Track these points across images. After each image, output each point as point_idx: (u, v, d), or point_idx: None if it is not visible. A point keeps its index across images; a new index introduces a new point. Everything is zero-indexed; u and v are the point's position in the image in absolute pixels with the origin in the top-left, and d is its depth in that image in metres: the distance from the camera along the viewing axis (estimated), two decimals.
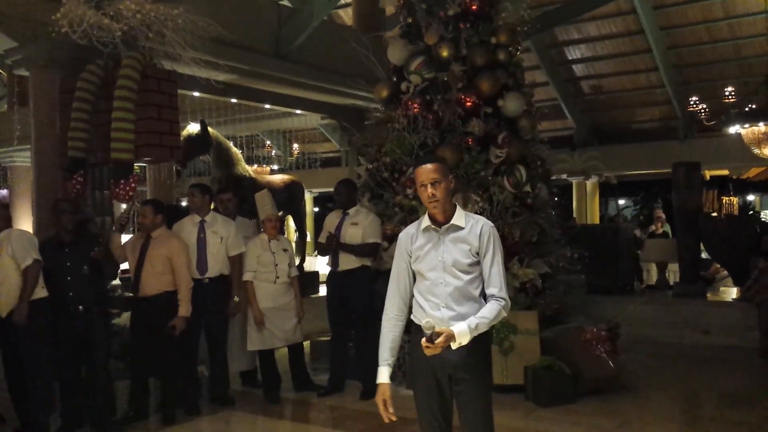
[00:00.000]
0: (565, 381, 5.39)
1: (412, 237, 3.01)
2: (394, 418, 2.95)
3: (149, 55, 6.22)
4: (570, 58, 15.90)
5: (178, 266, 5.20)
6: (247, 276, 5.66)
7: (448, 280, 2.90)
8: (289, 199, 10.20)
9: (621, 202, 21.29)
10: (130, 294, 5.40)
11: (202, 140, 8.42)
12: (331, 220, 6.03)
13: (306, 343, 6.31)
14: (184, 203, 10.40)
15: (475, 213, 6.09)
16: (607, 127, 16.83)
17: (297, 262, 6.86)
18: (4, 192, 13.95)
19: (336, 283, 5.95)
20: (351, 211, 5.98)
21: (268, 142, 18.42)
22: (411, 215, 6.39)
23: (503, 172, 6.35)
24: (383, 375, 2.99)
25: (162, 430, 5.13)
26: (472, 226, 2.92)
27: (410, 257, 3.01)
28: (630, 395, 5.64)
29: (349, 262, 5.83)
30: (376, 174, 6.82)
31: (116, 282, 7.16)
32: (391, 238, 6.45)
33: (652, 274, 10.72)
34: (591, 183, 16.73)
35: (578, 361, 5.55)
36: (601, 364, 5.63)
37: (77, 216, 5.24)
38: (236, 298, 5.58)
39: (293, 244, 10.07)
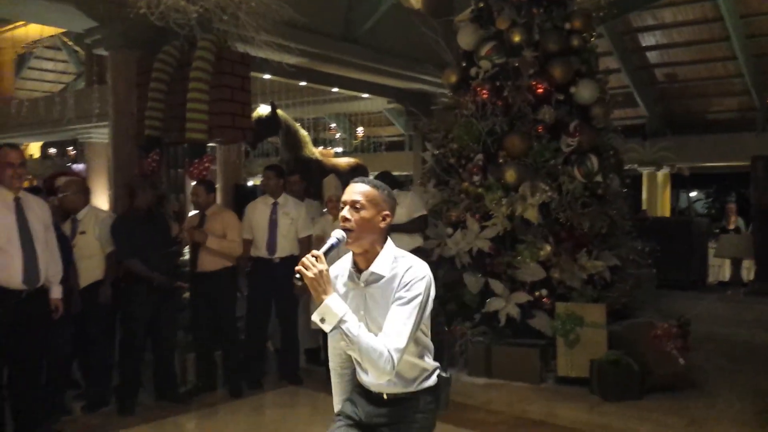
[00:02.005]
0: (632, 376, 5.27)
1: (336, 278, 2.35)
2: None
3: (223, 38, 6.33)
4: (644, 44, 15.43)
5: (230, 237, 5.33)
6: (316, 232, 5.72)
7: None
8: None
9: (692, 194, 20.63)
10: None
11: (272, 122, 8.53)
12: None
13: None
14: (250, 183, 10.59)
15: (543, 203, 6.07)
16: (680, 116, 16.30)
17: None
18: (81, 167, 14.49)
19: None
20: None
21: (333, 125, 18.55)
22: (476, 202, 6.34)
23: (574, 162, 6.22)
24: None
25: (228, 402, 5.28)
26: (400, 274, 2.23)
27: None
28: (699, 394, 5.47)
29: (402, 244, 5.82)
30: (441, 160, 6.79)
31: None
32: (456, 224, 6.43)
33: (725, 270, 10.37)
34: (662, 174, 16.27)
35: (646, 356, 5.42)
36: (670, 361, 5.48)
37: (156, 192, 5.43)
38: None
39: None
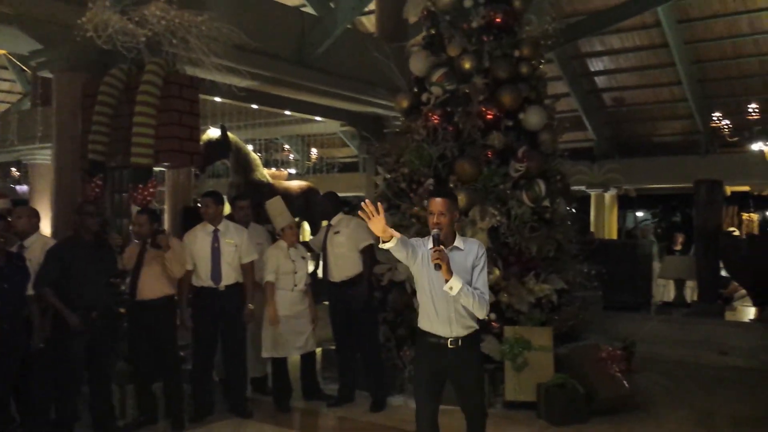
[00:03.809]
0: (579, 399, 5.34)
1: (424, 245, 3.61)
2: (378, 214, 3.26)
3: (172, 61, 6.27)
4: (592, 69, 15.85)
5: (168, 262, 5.15)
6: (269, 277, 5.57)
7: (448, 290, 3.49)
8: (305, 205, 10.21)
9: (639, 214, 21.14)
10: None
11: (222, 145, 8.45)
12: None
13: (317, 351, 6.28)
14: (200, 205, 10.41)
15: (493, 227, 6.16)
16: (627, 139, 16.74)
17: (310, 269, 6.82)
18: (25, 188, 14.11)
19: (336, 293, 5.91)
20: (334, 221, 5.96)
21: (287, 147, 18.48)
22: (426, 227, 6.35)
23: (522, 186, 6.31)
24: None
25: None
26: (470, 249, 3.62)
27: (420, 251, 3.56)
28: (644, 415, 5.57)
29: (345, 270, 5.81)
30: (393, 184, 6.81)
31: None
32: None
33: (669, 291, 10.61)
34: (609, 195, 16.65)
35: (592, 379, 5.50)
36: (616, 383, 5.58)
37: (100, 219, 5.26)
38: (251, 306, 5.56)
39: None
